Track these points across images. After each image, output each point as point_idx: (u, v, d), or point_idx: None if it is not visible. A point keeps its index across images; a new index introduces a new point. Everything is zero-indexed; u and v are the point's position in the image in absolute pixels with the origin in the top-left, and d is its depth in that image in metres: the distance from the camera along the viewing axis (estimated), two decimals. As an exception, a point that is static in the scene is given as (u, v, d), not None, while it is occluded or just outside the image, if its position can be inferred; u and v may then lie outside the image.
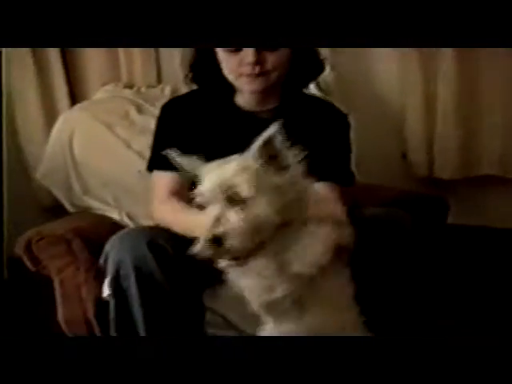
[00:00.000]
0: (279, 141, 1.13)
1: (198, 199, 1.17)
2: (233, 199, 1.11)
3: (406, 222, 1.44)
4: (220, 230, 1.10)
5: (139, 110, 2.12)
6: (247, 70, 1.46)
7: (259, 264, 1.17)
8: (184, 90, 1.83)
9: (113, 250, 1.38)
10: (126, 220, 1.96)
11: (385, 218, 1.40)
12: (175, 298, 1.36)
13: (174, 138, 1.55)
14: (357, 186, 1.61)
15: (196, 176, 1.20)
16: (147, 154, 1.74)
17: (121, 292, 1.37)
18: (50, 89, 2.30)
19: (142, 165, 1.90)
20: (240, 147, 1.43)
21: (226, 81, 1.53)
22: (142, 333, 1.37)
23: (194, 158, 1.21)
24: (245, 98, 1.57)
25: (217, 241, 1.10)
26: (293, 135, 1.44)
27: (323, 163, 1.41)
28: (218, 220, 1.11)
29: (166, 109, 1.62)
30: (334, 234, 1.16)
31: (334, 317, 1.25)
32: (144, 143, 1.94)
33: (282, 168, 1.14)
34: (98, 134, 2.07)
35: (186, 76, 1.62)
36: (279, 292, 1.20)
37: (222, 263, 1.20)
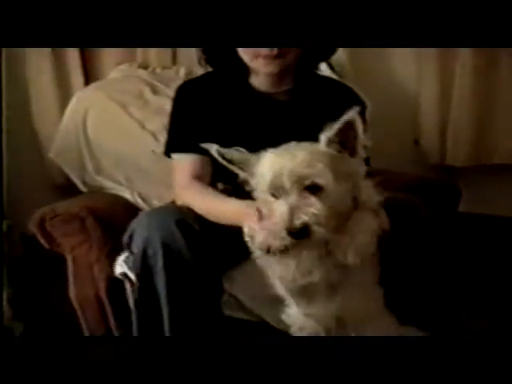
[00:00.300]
0: (359, 125, 1.12)
1: (265, 190, 1.15)
2: (310, 188, 1.10)
3: (422, 208, 1.44)
4: (303, 219, 1.07)
5: (154, 90, 2.11)
6: (265, 51, 1.46)
7: (304, 251, 1.17)
8: (199, 71, 1.82)
9: (140, 228, 1.37)
10: (138, 200, 1.97)
11: (402, 203, 1.39)
12: (200, 277, 1.36)
13: (191, 121, 1.55)
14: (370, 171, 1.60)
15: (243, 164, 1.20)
16: (161, 134, 1.74)
17: (146, 269, 1.36)
18: (65, 68, 2.30)
19: (156, 145, 1.92)
20: (256, 129, 1.44)
21: (240, 62, 1.53)
22: (165, 310, 1.36)
23: (238, 149, 1.20)
24: (260, 80, 1.57)
25: (301, 231, 1.08)
26: (308, 116, 1.44)
27: None
28: (296, 209, 1.08)
29: (181, 91, 1.62)
30: (376, 222, 1.16)
31: (362, 300, 1.27)
32: (158, 123, 1.95)
33: (352, 153, 1.15)
34: (111, 114, 2.07)
35: (201, 58, 1.62)
36: (316, 276, 1.20)
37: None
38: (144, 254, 1.35)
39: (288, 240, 1.10)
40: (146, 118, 2.04)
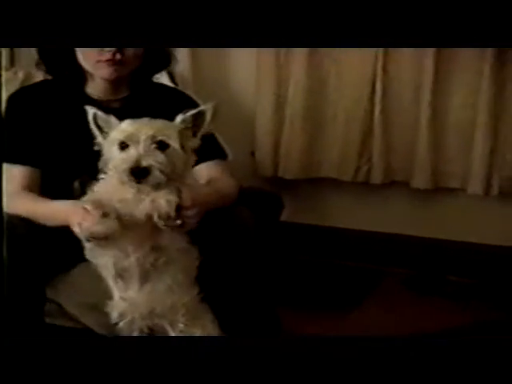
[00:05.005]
0: (208, 115, 1.37)
1: (117, 141, 1.31)
2: (159, 144, 1.30)
3: (248, 218, 1.55)
4: (149, 162, 1.27)
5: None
6: (107, 56, 1.49)
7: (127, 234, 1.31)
8: (37, 74, 1.80)
9: None
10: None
11: (229, 212, 1.50)
12: (21, 284, 1.37)
13: (21, 131, 1.55)
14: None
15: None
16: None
17: None
18: None
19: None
20: (89, 137, 1.47)
21: (78, 68, 1.56)
22: None
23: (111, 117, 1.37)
24: (96, 88, 1.60)
25: (144, 171, 1.26)
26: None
27: None
28: (144, 155, 1.28)
29: (13, 99, 1.60)
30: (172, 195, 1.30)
31: (171, 294, 1.38)
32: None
33: (194, 135, 1.38)
34: None
35: (39, 63, 1.61)
36: (132, 257, 1.34)
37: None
38: None
39: (111, 227, 1.26)
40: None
